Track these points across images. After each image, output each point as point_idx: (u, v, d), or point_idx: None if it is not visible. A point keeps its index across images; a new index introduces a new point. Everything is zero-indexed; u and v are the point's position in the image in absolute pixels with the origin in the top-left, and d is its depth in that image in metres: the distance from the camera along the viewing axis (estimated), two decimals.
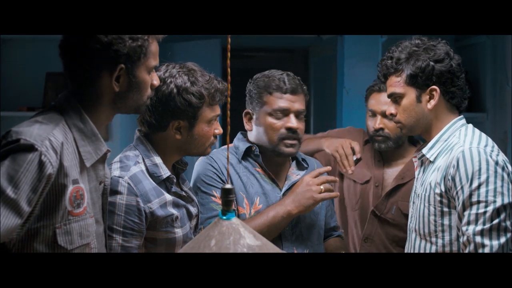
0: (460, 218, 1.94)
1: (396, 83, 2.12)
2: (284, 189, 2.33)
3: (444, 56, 2.07)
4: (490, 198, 1.88)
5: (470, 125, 2.11)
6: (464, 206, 1.91)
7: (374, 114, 2.70)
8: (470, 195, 1.90)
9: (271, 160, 2.36)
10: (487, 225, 1.87)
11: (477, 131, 2.08)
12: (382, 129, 2.66)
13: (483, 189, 1.89)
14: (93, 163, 1.67)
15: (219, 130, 2.09)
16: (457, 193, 1.93)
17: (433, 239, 2.04)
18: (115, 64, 1.63)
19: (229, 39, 1.36)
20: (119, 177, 1.91)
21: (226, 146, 2.42)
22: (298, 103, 2.29)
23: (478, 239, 1.87)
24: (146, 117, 2.01)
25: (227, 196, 1.28)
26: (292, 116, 2.28)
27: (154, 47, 1.72)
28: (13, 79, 4.25)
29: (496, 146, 2.02)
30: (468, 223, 1.89)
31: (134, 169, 1.95)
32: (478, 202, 1.88)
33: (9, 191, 1.44)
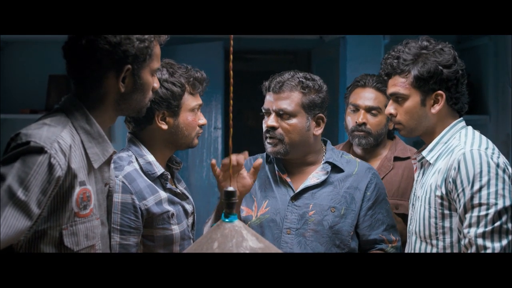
0: (461, 221, 1.93)
1: (401, 84, 2.08)
2: (296, 192, 2.27)
3: (452, 62, 2.05)
4: (492, 201, 1.88)
5: (470, 127, 2.10)
6: (466, 208, 1.90)
7: (356, 109, 2.68)
8: (472, 198, 1.89)
9: (290, 162, 2.33)
10: (489, 228, 1.86)
11: (477, 133, 2.07)
12: (364, 124, 2.64)
13: (484, 192, 1.89)
14: (100, 164, 1.68)
15: (203, 120, 2.13)
16: (458, 195, 1.93)
17: (434, 242, 2.04)
18: (122, 65, 1.64)
19: (232, 42, 1.36)
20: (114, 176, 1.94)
21: (262, 154, 2.42)
22: (281, 102, 2.21)
23: (480, 241, 1.86)
24: None
25: (230, 199, 1.28)
26: (272, 116, 2.23)
27: (157, 49, 1.74)
28: (15, 82, 4.26)
29: (496, 149, 2.01)
30: (470, 226, 1.89)
31: (128, 168, 1.99)
32: (480, 204, 1.88)
33: (20, 193, 1.44)
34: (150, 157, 2.05)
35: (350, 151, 2.79)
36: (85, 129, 1.64)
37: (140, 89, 1.71)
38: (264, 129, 2.26)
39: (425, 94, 2.06)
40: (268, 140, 2.25)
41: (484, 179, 1.90)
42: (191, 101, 2.08)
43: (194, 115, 2.09)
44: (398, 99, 2.11)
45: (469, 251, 1.90)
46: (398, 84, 2.09)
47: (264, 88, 2.28)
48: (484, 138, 2.05)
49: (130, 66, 1.65)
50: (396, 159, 2.68)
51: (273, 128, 2.23)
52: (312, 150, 2.32)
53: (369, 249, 2.32)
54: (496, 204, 1.87)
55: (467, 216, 1.90)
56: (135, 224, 1.95)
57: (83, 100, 1.67)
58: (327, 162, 2.31)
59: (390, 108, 2.14)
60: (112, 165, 1.82)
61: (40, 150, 1.48)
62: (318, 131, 2.30)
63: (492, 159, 1.93)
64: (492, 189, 1.89)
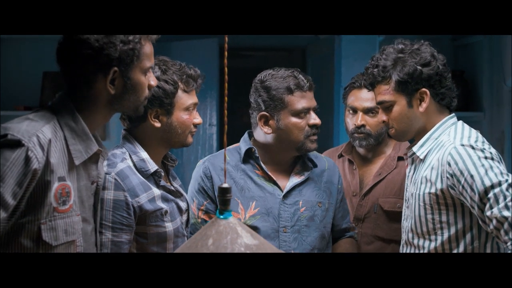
0: (480, 208, 1.92)
1: (385, 91, 2.12)
2: (285, 191, 2.30)
3: (430, 59, 2.08)
4: (501, 178, 1.90)
5: (460, 122, 2.13)
6: (480, 195, 1.90)
7: (355, 111, 2.67)
8: (482, 183, 1.90)
9: (274, 161, 2.34)
10: (508, 199, 1.87)
11: (467, 127, 2.10)
12: (363, 126, 2.63)
13: (491, 173, 1.91)
14: (82, 161, 1.68)
15: (198, 119, 2.12)
16: (463, 186, 1.94)
17: (432, 237, 2.05)
18: (108, 68, 1.65)
19: (226, 39, 1.36)
20: (106, 173, 1.95)
21: (231, 146, 2.41)
22: (314, 99, 2.32)
23: (506, 213, 1.86)
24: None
25: (224, 195, 1.28)
26: (312, 113, 2.30)
27: (148, 48, 1.74)
28: (10, 78, 4.23)
29: (486, 142, 2.04)
30: (491, 207, 1.89)
31: (121, 165, 1.99)
32: (492, 186, 1.89)
33: None
34: (144, 154, 2.04)
35: (352, 150, 2.80)
36: (70, 126, 1.66)
37: (131, 89, 1.72)
38: (305, 127, 2.28)
39: (409, 96, 2.09)
40: (314, 137, 2.31)
41: (486, 163, 1.93)
42: (185, 99, 2.06)
43: (189, 114, 2.07)
44: (386, 106, 2.14)
45: (501, 230, 1.87)
46: (383, 92, 2.13)
47: (298, 88, 2.27)
48: (473, 131, 2.08)
49: (116, 69, 1.66)
50: (400, 158, 2.68)
51: (319, 125, 2.33)
52: None
53: (341, 237, 2.49)
54: (506, 180, 1.90)
55: (485, 200, 1.90)
56: (127, 221, 1.95)
57: (74, 100, 1.69)
58: (308, 159, 2.38)
59: (382, 116, 2.19)
60: (100, 163, 1.81)
61: (17, 143, 1.51)
62: None
63: (483, 150, 1.96)
64: (496, 170, 1.92)
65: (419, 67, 2.06)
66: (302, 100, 2.27)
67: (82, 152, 1.68)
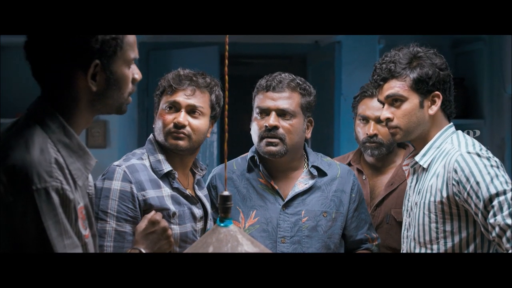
0: (484, 216, 1.93)
1: (400, 85, 2.09)
2: (286, 200, 2.25)
3: (445, 65, 2.12)
4: (506, 187, 1.92)
5: (460, 131, 2.14)
6: (485, 202, 1.92)
7: (366, 120, 2.64)
8: (488, 190, 1.92)
9: (277, 168, 2.30)
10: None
11: (468, 137, 2.12)
12: (376, 135, 2.60)
13: (497, 181, 1.93)
14: (84, 180, 1.53)
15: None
16: (468, 193, 1.95)
17: (435, 246, 2.05)
18: (89, 61, 1.47)
19: (227, 46, 1.36)
20: (117, 165, 2.01)
21: (242, 156, 2.40)
22: (281, 101, 2.22)
23: (509, 221, 1.88)
24: None
25: (225, 203, 1.28)
26: (272, 115, 2.21)
27: (130, 38, 1.56)
28: (12, 86, 4.24)
29: (489, 151, 2.07)
30: (495, 215, 1.90)
31: (134, 161, 2.04)
32: (497, 194, 1.91)
33: (66, 240, 1.38)
34: (160, 156, 2.08)
35: (361, 159, 2.76)
36: (64, 142, 1.48)
37: (115, 85, 1.53)
38: (261, 128, 2.22)
39: (423, 96, 2.09)
40: (268, 140, 2.21)
41: (492, 171, 1.95)
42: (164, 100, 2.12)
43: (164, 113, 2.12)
44: (395, 101, 2.11)
45: (504, 238, 1.89)
46: (398, 86, 2.10)
47: (259, 88, 2.26)
48: (476, 141, 2.10)
49: (98, 62, 1.48)
50: None
51: (275, 128, 2.21)
52: (300, 153, 2.33)
53: (356, 249, 2.38)
54: (511, 189, 1.92)
55: (489, 208, 1.92)
56: (133, 213, 1.96)
57: (55, 106, 1.52)
58: (313, 166, 2.31)
59: (386, 113, 2.13)
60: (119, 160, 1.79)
61: (48, 190, 1.36)
62: (309, 134, 2.35)
63: (489, 158, 1.99)
64: (502, 178, 1.94)
65: (437, 69, 2.09)
66: (262, 100, 2.24)
67: (82, 170, 1.51)
